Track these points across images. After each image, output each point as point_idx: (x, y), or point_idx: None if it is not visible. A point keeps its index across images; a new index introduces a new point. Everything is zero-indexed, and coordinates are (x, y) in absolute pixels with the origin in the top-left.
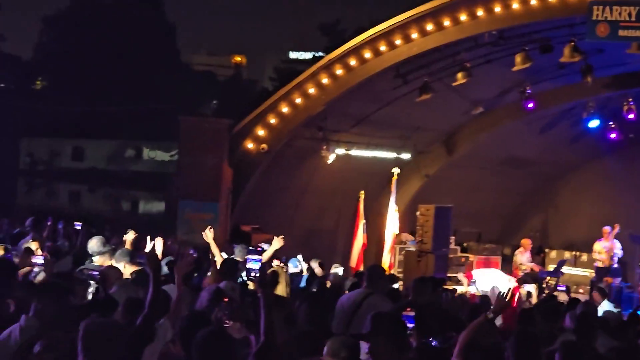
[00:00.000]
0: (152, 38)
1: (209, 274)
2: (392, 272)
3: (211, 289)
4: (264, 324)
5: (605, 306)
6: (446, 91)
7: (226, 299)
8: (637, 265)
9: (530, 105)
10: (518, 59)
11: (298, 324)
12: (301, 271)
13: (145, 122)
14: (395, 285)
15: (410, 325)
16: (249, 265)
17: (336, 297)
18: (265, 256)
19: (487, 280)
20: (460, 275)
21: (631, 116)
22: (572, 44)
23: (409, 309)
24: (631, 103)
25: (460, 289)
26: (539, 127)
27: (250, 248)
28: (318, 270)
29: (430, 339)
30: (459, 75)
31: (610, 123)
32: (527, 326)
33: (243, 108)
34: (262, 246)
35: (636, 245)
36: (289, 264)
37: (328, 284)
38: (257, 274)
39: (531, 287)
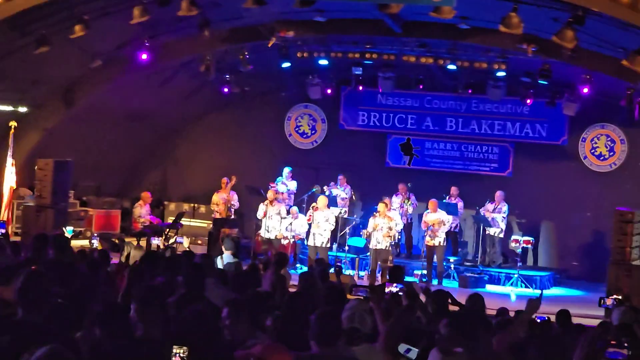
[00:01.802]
0: None
1: None
2: (10, 227)
3: None
4: None
5: (225, 258)
6: (64, 44)
7: None
8: (254, 217)
9: (145, 57)
10: (136, 11)
11: None
12: None
13: None
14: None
15: None
16: None
17: None
18: None
19: None
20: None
21: (248, 67)
22: None
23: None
24: (247, 56)
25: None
26: (159, 81)
27: None
28: None
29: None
30: (77, 27)
31: (227, 76)
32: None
33: None
34: None
35: (252, 196)
36: None
37: None
38: None
39: (157, 241)
